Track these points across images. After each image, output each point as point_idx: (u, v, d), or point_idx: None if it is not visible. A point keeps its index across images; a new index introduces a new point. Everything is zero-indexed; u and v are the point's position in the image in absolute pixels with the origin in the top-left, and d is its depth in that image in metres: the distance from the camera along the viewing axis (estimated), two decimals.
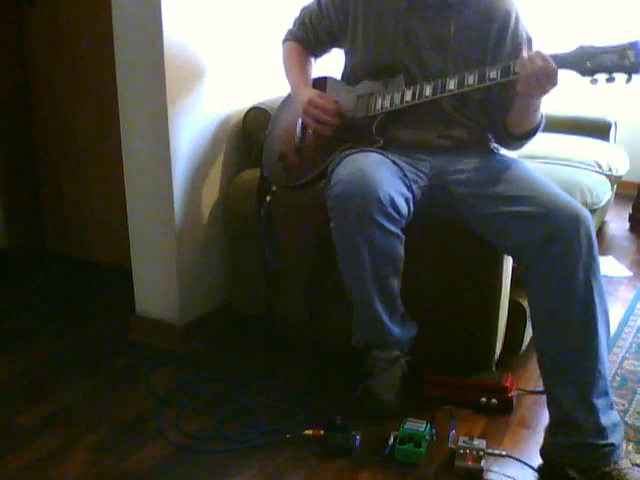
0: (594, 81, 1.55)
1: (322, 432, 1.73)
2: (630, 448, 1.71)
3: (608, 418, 1.58)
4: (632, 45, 1.52)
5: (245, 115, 2.27)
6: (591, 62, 1.54)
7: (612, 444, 1.56)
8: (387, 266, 1.73)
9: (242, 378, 2.03)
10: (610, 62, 1.53)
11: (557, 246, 1.57)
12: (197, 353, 2.20)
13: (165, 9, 1.95)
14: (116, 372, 2.10)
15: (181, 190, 2.13)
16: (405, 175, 1.77)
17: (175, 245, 2.15)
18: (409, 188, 1.75)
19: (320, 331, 2.15)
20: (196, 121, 2.14)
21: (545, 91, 1.62)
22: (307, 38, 2.06)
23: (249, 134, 2.27)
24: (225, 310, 2.35)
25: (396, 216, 1.67)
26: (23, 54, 2.76)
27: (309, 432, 1.75)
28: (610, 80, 1.54)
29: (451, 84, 1.72)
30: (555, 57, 1.58)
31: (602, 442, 1.56)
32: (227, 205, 2.27)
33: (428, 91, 1.76)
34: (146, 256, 2.24)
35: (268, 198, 2.09)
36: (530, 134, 1.81)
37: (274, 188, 2.09)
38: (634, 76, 1.52)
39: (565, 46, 1.59)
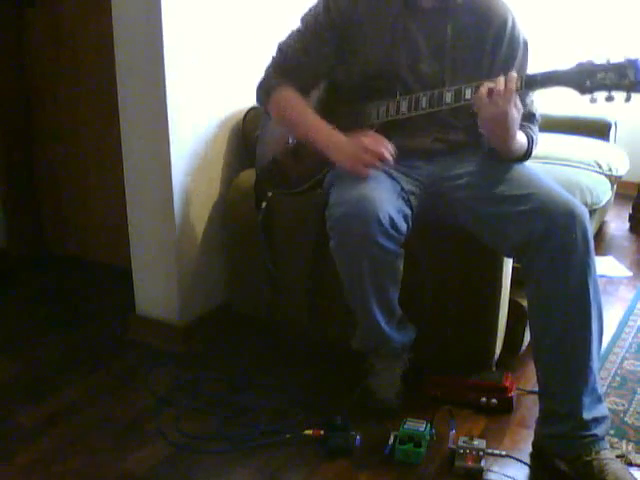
0: (593, 100, 1.55)
1: (322, 432, 1.74)
2: (630, 448, 1.72)
3: (593, 413, 1.61)
4: (631, 63, 1.50)
5: (245, 115, 2.27)
6: (590, 81, 1.52)
7: (595, 435, 1.60)
8: (387, 280, 1.74)
9: (242, 378, 2.03)
10: (610, 81, 1.51)
11: (553, 242, 1.57)
12: (197, 353, 2.20)
13: (165, 9, 1.95)
14: (116, 372, 2.10)
15: (181, 190, 2.13)
16: (402, 189, 1.76)
17: (175, 245, 2.15)
18: (407, 202, 1.75)
19: (320, 331, 2.15)
20: (196, 121, 2.14)
21: (498, 123, 1.61)
22: (302, 77, 1.85)
23: (249, 134, 2.26)
24: (225, 310, 2.35)
25: (396, 235, 1.67)
26: (23, 54, 2.76)
27: (309, 432, 1.75)
28: (609, 99, 1.53)
29: (448, 97, 1.68)
30: (554, 74, 1.57)
31: (584, 433, 1.60)
32: (227, 205, 2.27)
33: (424, 103, 1.72)
34: (146, 256, 2.24)
35: (264, 204, 2.09)
36: (515, 160, 1.77)
37: (269, 194, 2.08)
38: (633, 95, 1.50)
39: (563, 48, 1.59)
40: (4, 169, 2.82)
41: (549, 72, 1.58)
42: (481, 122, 1.66)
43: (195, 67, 2.10)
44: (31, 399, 1.94)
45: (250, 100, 2.26)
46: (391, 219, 1.64)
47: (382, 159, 1.68)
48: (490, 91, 1.58)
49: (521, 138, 1.72)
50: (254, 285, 2.24)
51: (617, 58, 1.52)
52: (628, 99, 1.51)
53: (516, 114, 1.60)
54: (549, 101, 1.79)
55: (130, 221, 2.24)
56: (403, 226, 1.69)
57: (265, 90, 1.89)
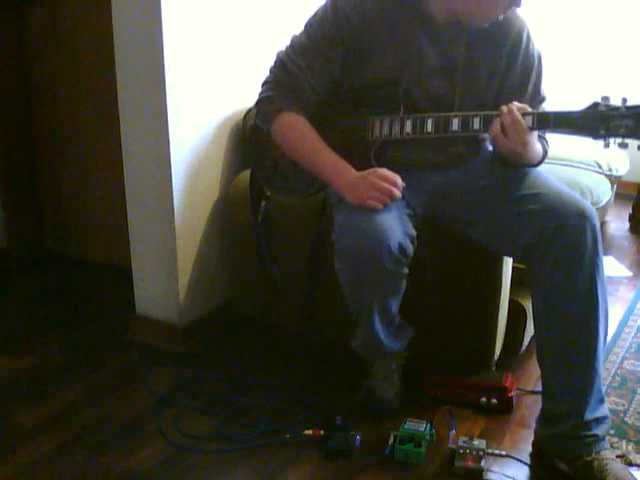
0: (606, 145, 1.55)
1: (322, 432, 1.74)
2: (630, 448, 1.72)
3: (595, 413, 1.61)
4: None
5: (245, 115, 2.27)
6: (605, 129, 1.52)
7: (595, 435, 1.60)
8: (391, 297, 1.73)
9: (242, 378, 2.03)
10: (625, 129, 1.50)
11: (564, 241, 1.57)
12: (197, 353, 2.20)
13: (165, 9, 1.95)
14: (116, 372, 2.10)
15: (181, 190, 2.13)
16: (408, 204, 1.74)
17: (175, 245, 2.15)
18: (413, 218, 1.73)
19: (319, 331, 2.15)
20: (196, 121, 2.14)
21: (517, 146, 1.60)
22: (307, 96, 1.75)
23: (249, 134, 2.26)
24: (225, 310, 2.35)
25: (404, 260, 1.66)
26: (23, 54, 2.76)
27: (309, 432, 1.75)
28: (623, 146, 1.53)
29: (455, 124, 1.65)
30: (568, 116, 1.56)
31: (585, 433, 1.60)
32: (227, 205, 2.27)
33: (430, 127, 1.68)
34: (146, 256, 2.24)
35: (263, 203, 2.08)
36: (529, 166, 1.77)
37: (268, 193, 2.07)
38: None
39: (569, 62, 1.57)
40: (4, 169, 2.82)
41: (563, 113, 1.58)
42: (504, 154, 1.66)
43: (195, 67, 2.10)
44: (31, 399, 1.94)
45: (250, 100, 2.27)
46: (400, 245, 1.62)
47: (391, 196, 1.64)
48: (502, 126, 1.58)
49: (539, 149, 1.71)
50: (254, 285, 2.24)
51: (634, 100, 1.50)
52: None
53: (531, 135, 1.60)
54: (549, 101, 1.79)
55: (130, 221, 2.24)
56: (411, 249, 1.68)
57: (268, 112, 1.78)
